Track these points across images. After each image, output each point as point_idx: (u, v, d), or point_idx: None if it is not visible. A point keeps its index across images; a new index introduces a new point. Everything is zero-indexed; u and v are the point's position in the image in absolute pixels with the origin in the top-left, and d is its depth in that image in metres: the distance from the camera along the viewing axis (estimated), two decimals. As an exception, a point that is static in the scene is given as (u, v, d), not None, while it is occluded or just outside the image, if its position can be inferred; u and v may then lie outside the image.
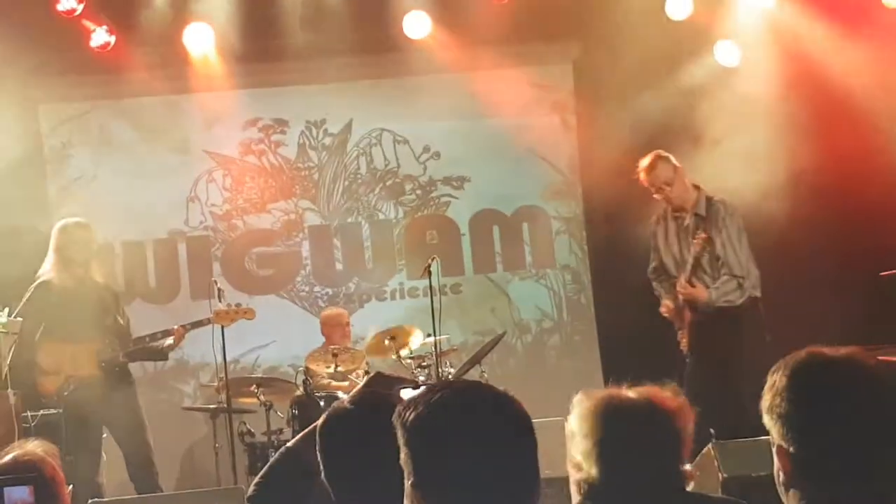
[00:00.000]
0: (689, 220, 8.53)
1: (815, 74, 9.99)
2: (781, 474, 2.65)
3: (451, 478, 2.32)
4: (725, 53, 10.45)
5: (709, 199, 8.51)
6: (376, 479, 2.94)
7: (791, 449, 2.60)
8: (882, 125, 9.79)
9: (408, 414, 2.39)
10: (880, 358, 3.37)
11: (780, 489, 2.65)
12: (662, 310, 8.75)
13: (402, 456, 2.41)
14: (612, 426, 3.16)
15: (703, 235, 8.31)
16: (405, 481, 2.40)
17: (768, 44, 10.22)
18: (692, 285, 8.37)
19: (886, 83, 9.83)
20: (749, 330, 8.25)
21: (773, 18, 10.28)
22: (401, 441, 2.40)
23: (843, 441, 2.54)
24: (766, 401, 2.65)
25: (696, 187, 8.60)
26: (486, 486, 2.30)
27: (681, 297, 8.43)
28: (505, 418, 2.39)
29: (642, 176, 8.54)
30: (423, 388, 2.60)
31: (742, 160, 9.77)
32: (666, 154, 8.56)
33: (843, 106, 9.81)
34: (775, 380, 2.64)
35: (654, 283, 8.92)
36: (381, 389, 3.46)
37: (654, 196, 8.63)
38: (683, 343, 8.61)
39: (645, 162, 8.53)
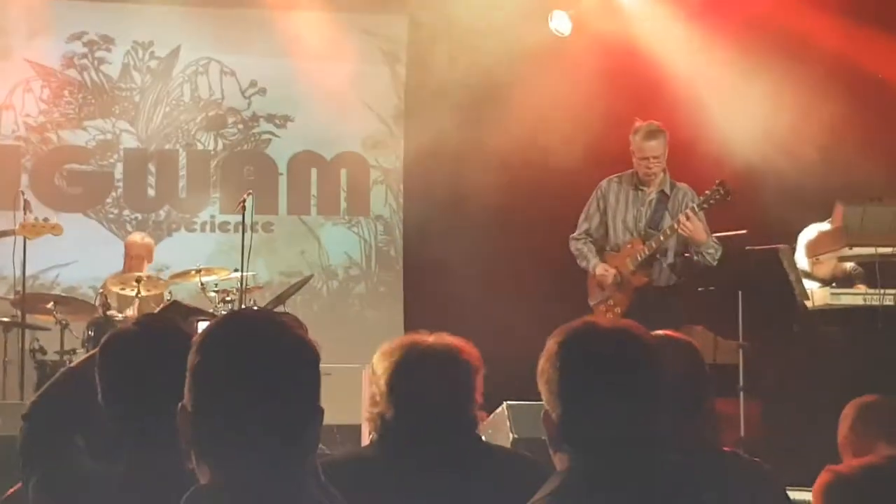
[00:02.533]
0: (653, 195, 8.21)
1: (641, 55, 10.20)
2: (547, 438, 2.69)
3: (225, 402, 2.32)
4: (559, 22, 10.50)
5: (672, 182, 8.26)
6: (151, 403, 2.93)
7: (554, 413, 2.61)
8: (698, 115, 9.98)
9: (198, 338, 2.39)
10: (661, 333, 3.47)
11: (551, 452, 2.70)
12: (599, 270, 8.24)
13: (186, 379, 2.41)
14: (407, 366, 3.29)
15: (724, 182, 7.96)
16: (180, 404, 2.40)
17: (601, 18, 10.35)
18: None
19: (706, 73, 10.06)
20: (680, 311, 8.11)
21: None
22: (188, 364, 2.40)
23: (602, 409, 2.55)
24: (539, 365, 2.67)
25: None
26: (260, 412, 2.30)
27: (682, 229, 7.89)
28: (289, 347, 2.38)
29: (637, 138, 8.10)
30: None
31: (563, 127, 9.95)
32: (664, 129, 8.17)
33: (663, 90, 10.02)
34: (548, 345, 2.67)
35: (580, 245, 8.41)
36: (176, 318, 3.44)
37: (639, 162, 8.14)
38: (616, 311, 8.12)
39: (646, 127, 8.09)
